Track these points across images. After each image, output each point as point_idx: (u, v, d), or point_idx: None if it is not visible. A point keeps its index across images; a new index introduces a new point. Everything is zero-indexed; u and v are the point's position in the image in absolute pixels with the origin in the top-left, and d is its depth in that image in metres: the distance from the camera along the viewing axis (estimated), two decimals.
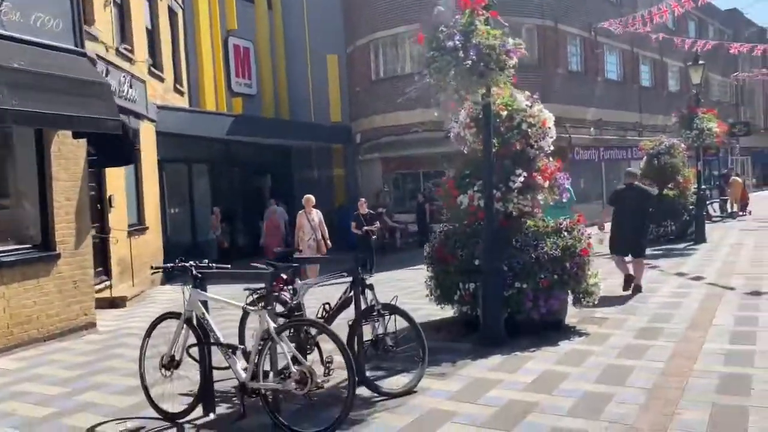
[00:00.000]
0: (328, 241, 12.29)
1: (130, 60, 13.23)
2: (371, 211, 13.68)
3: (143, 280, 12.59)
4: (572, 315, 7.59)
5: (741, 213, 23.04)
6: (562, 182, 7.26)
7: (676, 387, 4.98)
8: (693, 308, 7.94)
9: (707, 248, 14.26)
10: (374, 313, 5.13)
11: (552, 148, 7.53)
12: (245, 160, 20.11)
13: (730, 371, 5.32)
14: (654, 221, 15.74)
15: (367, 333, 5.33)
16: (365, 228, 13.20)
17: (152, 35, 15.51)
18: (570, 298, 7.25)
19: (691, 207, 15.92)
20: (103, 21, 11.57)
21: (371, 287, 5.22)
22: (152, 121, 14.68)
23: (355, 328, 5.13)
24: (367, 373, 5.41)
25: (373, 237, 13.39)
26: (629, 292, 8.94)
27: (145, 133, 14.18)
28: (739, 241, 15.15)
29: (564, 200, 7.75)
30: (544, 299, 6.76)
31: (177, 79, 17.46)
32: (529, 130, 7.15)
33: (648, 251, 14.02)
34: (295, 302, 5.45)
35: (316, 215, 12.18)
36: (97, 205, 11.54)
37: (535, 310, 6.77)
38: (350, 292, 5.28)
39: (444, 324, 7.59)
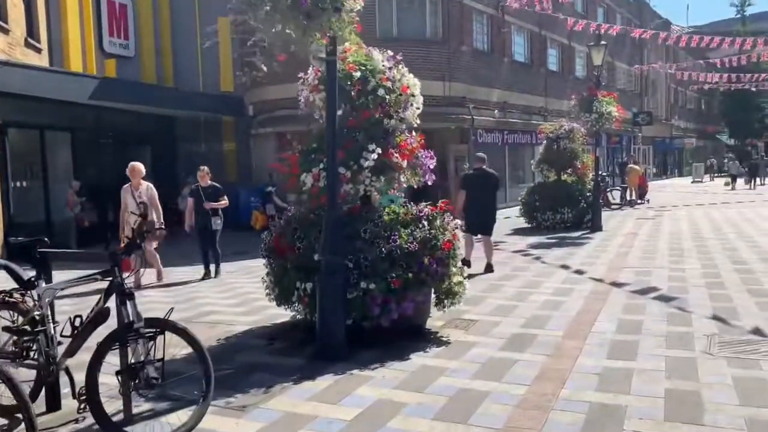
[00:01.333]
0: (157, 224, 8.88)
1: None
2: (215, 184, 10.14)
3: None
4: (438, 317, 6.49)
5: (639, 201, 23.10)
6: (425, 162, 6.06)
7: (530, 428, 3.88)
8: (575, 309, 7.00)
9: (602, 237, 13.67)
10: (132, 334, 3.71)
11: (418, 121, 6.33)
12: (120, 130, 17.90)
13: (602, 400, 4.29)
14: (551, 208, 15.16)
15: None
16: (207, 204, 9.80)
17: None
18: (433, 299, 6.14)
19: (588, 194, 15.34)
20: None
21: (131, 296, 3.80)
22: None
23: (100, 354, 3.71)
24: (136, 410, 4.04)
25: (217, 218, 9.96)
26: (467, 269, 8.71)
27: None
28: (633, 231, 14.68)
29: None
30: (395, 302, 5.58)
31: (31, 34, 15.16)
32: (388, 96, 5.90)
33: (543, 239, 13.53)
34: (37, 313, 3.96)
35: (146, 191, 9.26)
36: None
37: (385, 316, 5.57)
38: (104, 302, 3.84)
39: (283, 330, 6.29)
